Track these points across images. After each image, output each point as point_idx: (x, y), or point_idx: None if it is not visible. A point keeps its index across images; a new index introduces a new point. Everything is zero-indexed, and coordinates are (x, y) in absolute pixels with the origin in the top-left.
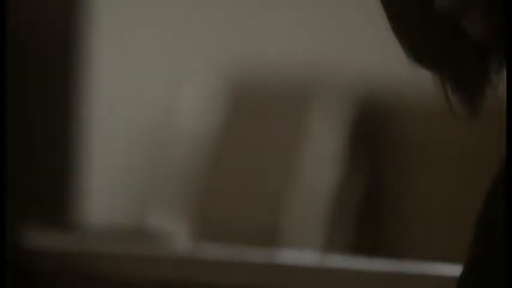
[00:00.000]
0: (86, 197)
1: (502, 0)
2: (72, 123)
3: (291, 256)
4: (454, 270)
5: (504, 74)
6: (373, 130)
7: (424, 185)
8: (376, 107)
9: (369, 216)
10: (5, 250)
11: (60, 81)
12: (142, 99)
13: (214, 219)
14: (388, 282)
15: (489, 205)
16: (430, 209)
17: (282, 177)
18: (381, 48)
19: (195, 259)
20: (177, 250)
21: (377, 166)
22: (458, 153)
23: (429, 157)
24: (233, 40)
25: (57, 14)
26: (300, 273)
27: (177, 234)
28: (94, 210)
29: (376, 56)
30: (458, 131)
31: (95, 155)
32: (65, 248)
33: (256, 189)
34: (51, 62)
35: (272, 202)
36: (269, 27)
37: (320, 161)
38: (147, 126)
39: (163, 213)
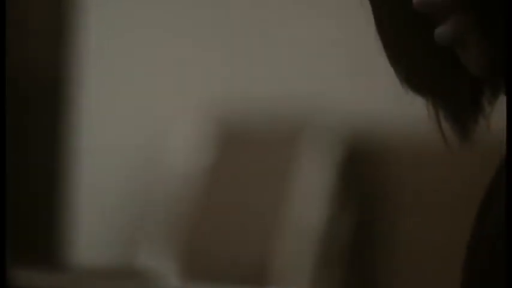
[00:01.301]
0: (76, 237)
1: (500, 30)
2: (61, 164)
3: None
4: None
5: (499, 101)
6: (362, 169)
7: (413, 225)
8: (364, 146)
9: (358, 256)
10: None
11: (50, 121)
12: (131, 138)
13: (203, 258)
14: None
15: (485, 217)
16: (420, 249)
17: (270, 216)
18: (370, 88)
19: None
20: None
21: (366, 205)
22: (448, 193)
23: (418, 196)
24: (222, 80)
25: (49, 54)
26: None
27: (166, 274)
28: (84, 250)
29: (364, 97)
30: (447, 170)
31: (85, 196)
32: (56, 287)
33: (245, 229)
34: (41, 101)
35: (261, 241)
36: (257, 67)
37: (309, 200)
38: (135, 166)
39: (152, 252)
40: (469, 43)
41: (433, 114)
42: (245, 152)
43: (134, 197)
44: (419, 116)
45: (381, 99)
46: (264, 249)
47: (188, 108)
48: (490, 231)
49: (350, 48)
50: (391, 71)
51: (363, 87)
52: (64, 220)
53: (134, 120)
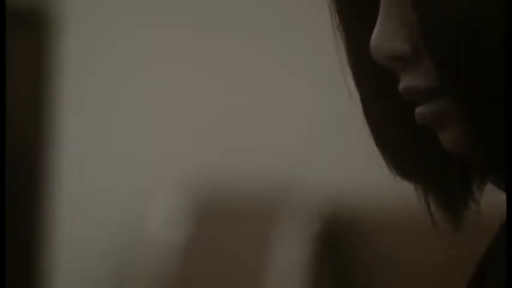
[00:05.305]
0: None
1: (483, 118)
2: (41, 244)
3: None
4: None
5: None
6: (340, 244)
7: None
8: (343, 221)
9: None
10: None
11: (29, 199)
12: (108, 214)
13: None
14: None
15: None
16: None
17: None
18: (348, 163)
19: None
20: None
21: (344, 283)
22: (432, 268)
23: (400, 272)
24: (199, 154)
25: (27, 135)
26: None
27: None
28: None
29: (343, 172)
30: (430, 245)
31: (63, 275)
32: None
33: None
34: (22, 183)
35: None
36: (234, 141)
37: (286, 275)
38: (114, 242)
39: None
40: (448, 124)
41: (423, 199)
42: (222, 227)
43: (112, 274)
44: (400, 189)
45: (360, 174)
46: None
47: (167, 182)
48: None
49: (329, 125)
50: (371, 144)
51: (341, 162)
52: None
53: (112, 197)
